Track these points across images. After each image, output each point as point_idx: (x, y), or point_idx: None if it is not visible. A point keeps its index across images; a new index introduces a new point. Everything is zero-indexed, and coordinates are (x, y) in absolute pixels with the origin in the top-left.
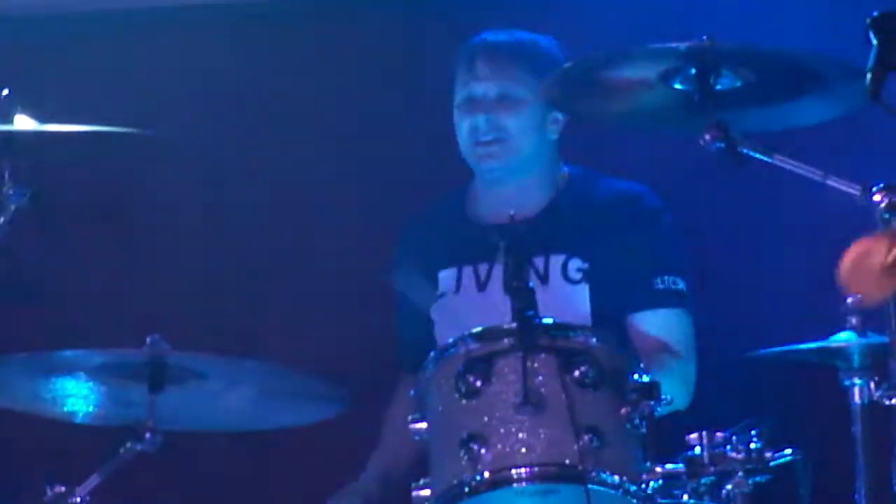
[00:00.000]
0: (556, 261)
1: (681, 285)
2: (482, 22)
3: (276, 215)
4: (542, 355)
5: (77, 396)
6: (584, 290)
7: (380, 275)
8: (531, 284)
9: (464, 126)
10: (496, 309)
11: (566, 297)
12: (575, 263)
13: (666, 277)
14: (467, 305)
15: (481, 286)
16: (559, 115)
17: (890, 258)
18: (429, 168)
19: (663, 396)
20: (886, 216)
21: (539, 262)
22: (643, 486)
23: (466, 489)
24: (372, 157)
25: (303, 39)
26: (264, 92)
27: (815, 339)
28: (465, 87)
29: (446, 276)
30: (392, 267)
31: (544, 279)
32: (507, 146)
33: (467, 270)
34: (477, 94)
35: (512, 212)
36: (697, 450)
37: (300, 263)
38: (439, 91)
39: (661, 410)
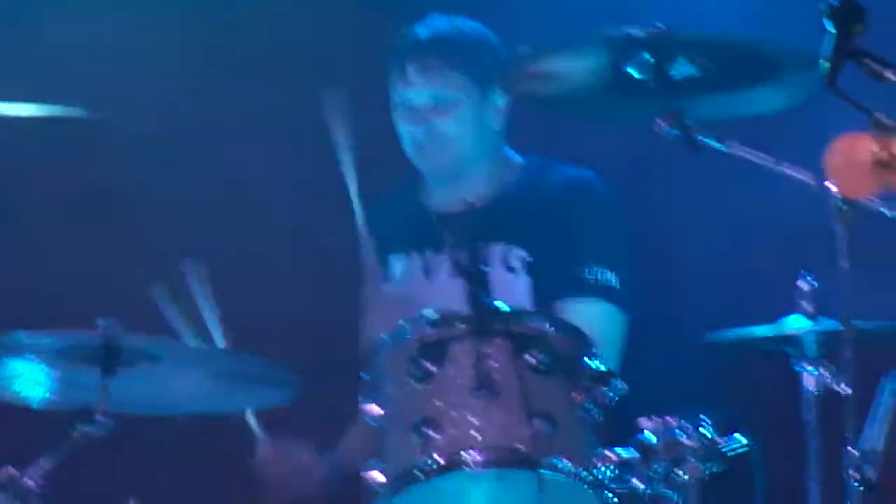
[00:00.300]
0: (499, 250)
1: (611, 279)
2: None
3: (231, 197)
4: (497, 340)
5: (28, 379)
6: (524, 281)
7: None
8: (486, 268)
9: (403, 132)
10: (441, 296)
11: (506, 287)
12: (517, 253)
13: (595, 268)
14: (413, 291)
15: (427, 273)
16: (500, 104)
17: (877, 154)
18: (384, 150)
19: (620, 385)
20: (841, 204)
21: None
22: (596, 471)
23: (419, 473)
24: (329, 142)
25: (259, 18)
26: (218, 72)
27: (767, 324)
28: (399, 93)
29: (395, 261)
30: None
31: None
32: (448, 150)
33: (415, 256)
34: (411, 103)
35: (469, 199)
36: (650, 436)
37: (255, 247)
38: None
39: (617, 396)
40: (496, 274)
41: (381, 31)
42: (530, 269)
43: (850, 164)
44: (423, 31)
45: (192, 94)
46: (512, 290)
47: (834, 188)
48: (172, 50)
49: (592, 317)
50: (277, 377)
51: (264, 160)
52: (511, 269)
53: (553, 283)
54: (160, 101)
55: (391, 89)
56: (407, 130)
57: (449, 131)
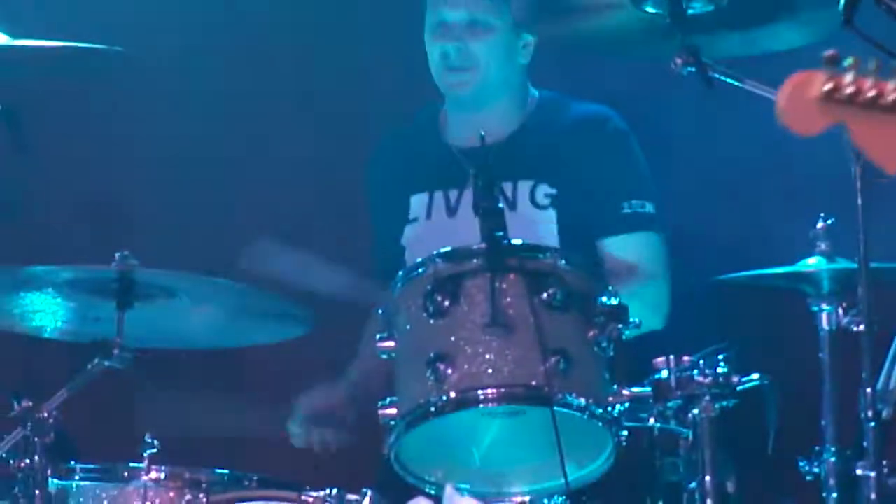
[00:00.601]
0: (525, 186)
1: (649, 208)
2: None
3: (245, 134)
4: (511, 276)
5: (45, 312)
6: (551, 216)
7: (348, 196)
8: (500, 205)
9: (435, 52)
10: (466, 234)
11: (534, 223)
12: (543, 189)
13: (634, 202)
14: (438, 231)
15: (451, 211)
16: (530, 39)
17: (825, 88)
18: (399, 90)
19: (632, 319)
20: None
21: (507, 187)
22: (609, 408)
23: (432, 409)
24: (341, 77)
25: None
26: (232, 10)
27: (783, 265)
28: (436, 12)
29: (417, 201)
30: (365, 188)
31: (512, 205)
32: (477, 73)
33: (438, 195)
34: (447, 20)
35: (483, 133)
36: (665, 374)
37: (269, 184)
38: (409, 13)
39: (632, 333)
40: (524, 210)
41: None
42: (556, 203)
43: (799, 101)
44: None
45: (207, 26)
46: (539, 226)
47: (786, 125)
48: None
49: (642, 248)
50: (292, 311)
51: (282, 92)
52: (538, 205)
53: (589, 219)
54: (178, 35)
55: (427, 11)
56: (438, 48)
57: (480, 53)
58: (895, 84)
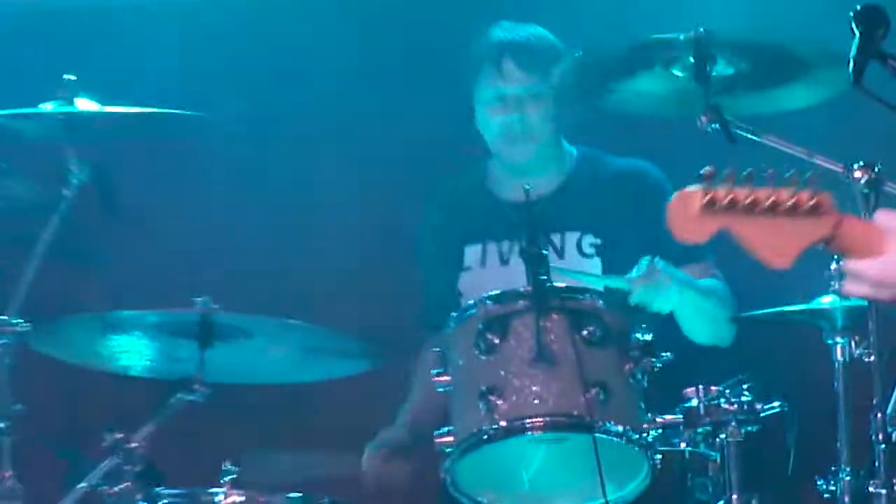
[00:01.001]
0: (572, 237)
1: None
2: (486, 18)
3: (316, 191)
4: (554, 315)
5: (133, 352)
6: (596, 264)
7: (404, 249)
8: (545, 251)
9: (494, 122)
10: (519, 281)
11: (581, 270)
12: (588, 239)
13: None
14: (492, 279)
15: (504, 261)
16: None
17: (703, 202)
18: (447, 151)
19: (664, 354)
20: (866, 191)
21: (556, 238)
22: (644, 434)
23: (485, 437)
24: (397, 141)
25: (336, 39)
26: (303, 83)
27: (801, 302)
28: (494, 87)
29: (472, 252)
30: (417, 237)
31: (561, 254)
32: (535, 139)
33: (491, 246)
34: (507, 94)
35: (527, 187)
36: (694, 402)
37: (337, 235)
38: (451, 84)
39: (702, 337)
40: (571, 258)
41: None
42: (600, 252)
43: (684, 214)
44: (510, 33)
45: (280, 96)
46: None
47: (677, 235)
48: (260, 59)
49: (707, 271)
50: (358, 349)
51: (349, 158)
52: (584, 254)
53: (631, 264)
54: (251, 102)
55: (480, 85)
56: (499, 120)
57: (536, 122)
58: (769, 191)
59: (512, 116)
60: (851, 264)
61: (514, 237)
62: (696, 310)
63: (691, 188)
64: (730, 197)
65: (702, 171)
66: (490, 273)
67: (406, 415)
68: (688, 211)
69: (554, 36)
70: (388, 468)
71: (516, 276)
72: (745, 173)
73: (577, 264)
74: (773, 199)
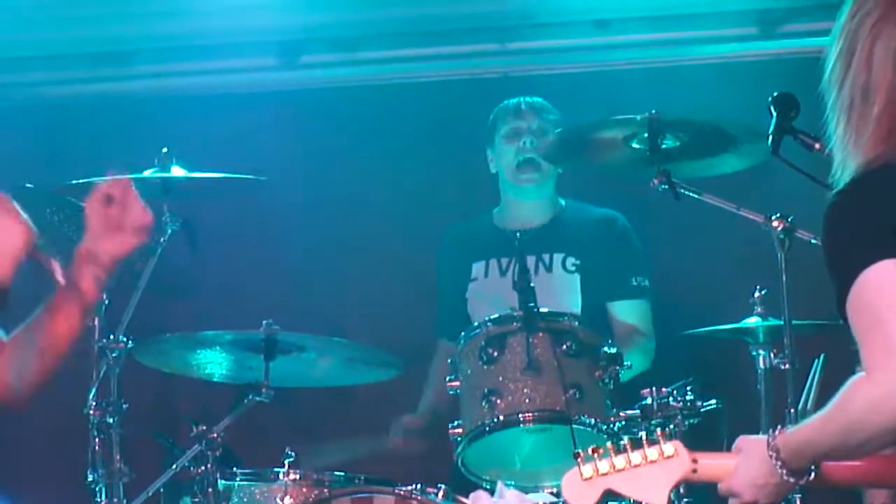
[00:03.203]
0: (559, 256)
1: (647, 283)
2: (493, 104)
3: (355, 235)
4: (540, 334)
5: (214, 362)
6: (576, 279)
7: (423, 282)
8: (532, 284)
9: (510, 150)
10: (511, 289)
11: (564, 283)
12: (571, 259)
13: (638, 277)
14: (492, 287)
15: (503, 273)
16: None
17: (586, 476)
18: (457, 200)
19: (627, 363)
20: (781, 236)
21: (546, 256)
22: (611, 425)
23: (486, 428)
24: (417, 195)
25: (368, 118)
26: (344, 151)
27: (731, 322)
28: (511, 124)
29: (478, 266)
30: (436, 264)
31: (549, 268)
32: (541, 170)
33: (493, 262)
34: (521, 125)
35: (518, 233)
36: (649, 400)
37: (369, 270)
38: (463, 153)
39: (628, 373)
40: (558, 272)
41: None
42: (579, 270)
43: (574, 487)
44: (525, 96)
45: (327, 160)
46: (568, 286)
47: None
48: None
49: (640, 310)
50: (386, 360)
51: (377, 210)
52: (567, 271)
53: (603, 285)
54: (306, 166)
55: (500, 127)
56: (513, 147)
57: (542, 157)
58: (633, 452)
59: (525, 139)
60: (722, 487)
61: (511, 255)
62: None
63: (574, 469)
64: (608, 466)
65: (576, 452)
66: (491, 282)
67: (425, 404)
68: (576, 485)
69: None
70: (409, 445)
71: (511, 284)
72: (609, 446)
73: (562, 277)
74: (638, 455)
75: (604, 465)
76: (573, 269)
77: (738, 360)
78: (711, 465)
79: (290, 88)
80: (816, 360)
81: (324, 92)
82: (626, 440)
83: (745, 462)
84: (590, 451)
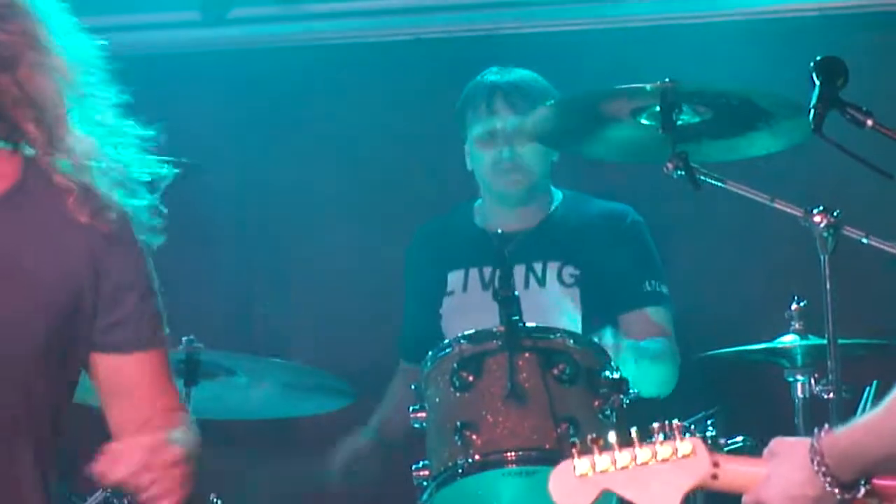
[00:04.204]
0: (553, 267)
1: (664, 289)
2: (478, 68)
3: (297, 233)
4: (526, 354)
5: None
6: (575, 293)
7: (382, 290)
8: (516, 293)
9: (486, 157)
10: (496, 307)
11: (560, 298)
12: (569, 270)
13: (653, 282)
14: (473, 303)
15: (486, 286)
16: None
17: (581, 472)
18: (429, 188)
19: (633, 390)
20: (825, 235)
21: (538, 267)
22: None
23: (460, 470)
24: (379, 182)
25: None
26: (287, 129)
27: (762, 341)
28: (484, 123)
29: (455, 277)
30: (404, 268)
31: (542, 282)
32: (526, 172)
33: (473, 272)
34: (497, 128)
35: (500, 230)
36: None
37: (316, 276)
38: (438, 130)
39: (651, 393)
40: (552, 287)
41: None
42: (579, 282)
43: (564, 485)
44: (500, 76)
45: (262, 137)
46: (565, 301)
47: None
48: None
49: (659, 317)
50: (335, 386)
51: (325, 198)
52: (564, 284)
53: (610, 297)
54: (238, 147)
55: (471, 124)
56: (490, 154)
57: (527, 155)
58: (642, 448)
59: (502, 150)
60: (748, 498)
61: (495, 264)
62: (647, 376)
63: (565, 462)
64: (607, 462)
65: (573, 441)
66: (471, 297)
67: (374, 422)
68: (567, 483)
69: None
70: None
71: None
72: (611, 438)
73: (558, 293)
74: (647, 452)
75: (603, 461)
76: (571, 281)
77: (771, 388)
78: (736, 471)
79: (217, 48)
80: (868, 388)
81: (259, 53)
82: (633, 431)
83: (780, 468)
84: (588, 440)
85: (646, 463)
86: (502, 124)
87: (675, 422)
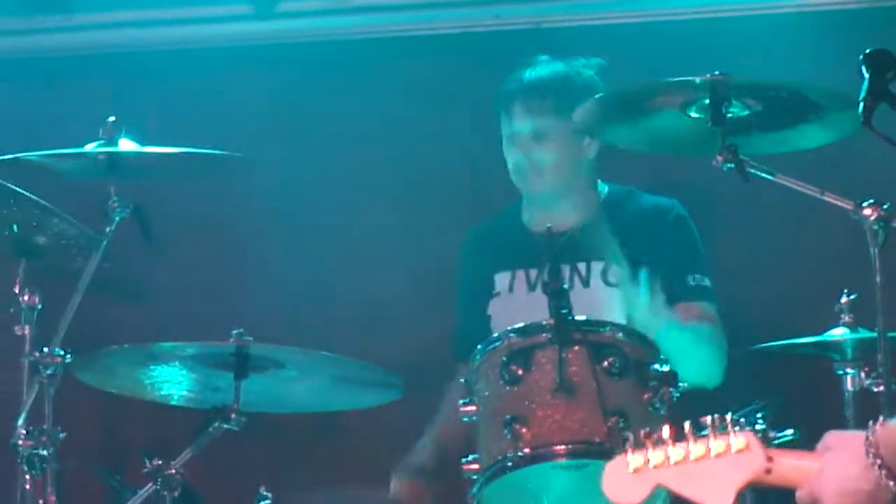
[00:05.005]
0: (597, 267)
1: (708, 283)
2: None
3: (345, 225)
4: (576, 347)
5: (172, 382)
6: (620, 293)
7: (433, 283)
8: (566, 286)
9: (510, 160)
10: (545, 307)
11: (604, 299)
12: (613, 269)
13: (697, 275)
14: (519, 304)
15: (531, 287)
16: (590, 138)
17: (634, 467)
18: (474, 183)
19: (682, 382)
20: (875, 228)
21: (582, 267)
22: None
23: (509, 464)
24: (433, 181)
25: (380, 80)
26: (335, 121)
27: (811, 334)
28: (507, 126)
29: (501, 278)
30: (457, 271)
31: (586, 282)
32: (544, 177)
33: (520, 273)
34: (516, 131)
35: (549, 224)
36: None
37: (366, 269)
38: (484, 125)
39: (698, 384)
40: (596, 287)
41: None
42: (624, 281)
43: (617, 481)
44: (527, 74)
45: (311, 134)
46: (610, 302)
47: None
48: (294, 102)
49: (704, 310)
50: (384, 380)
51: (377, 193)
52: (608, 283)
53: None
54: (286, 141)
55: (502, 124)
56: (512, 158)
57: (545, 159)
58: (696, 443)
59: (519, 155)
60: (801, 494)
61: (541, 265)
62: (679, 350)
63: (619, 456)
64: (660, 457)
65: (625, 437)
66: (517, 298)
67: (431, 439)
68: (620, 479)
69: (594, 68)
70: (415, 493)
71: (542, 301)
72: (665, 433)
73: (602, 293)
74: (700, 447)
75: (657, 456)
76: (615, 280)
77: (820, 381)
78: (790, 465)
79: (266, 42)
80: None
81: (308, 47)
82: (687, 425)
83: (834, 462)
84: (642, 435)
85: (700, 458)
86: (520, 129)
87: (728, 416)
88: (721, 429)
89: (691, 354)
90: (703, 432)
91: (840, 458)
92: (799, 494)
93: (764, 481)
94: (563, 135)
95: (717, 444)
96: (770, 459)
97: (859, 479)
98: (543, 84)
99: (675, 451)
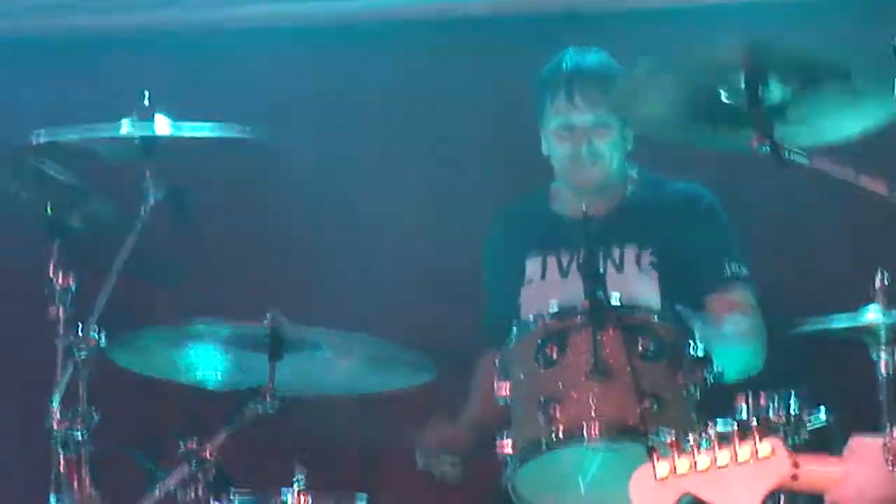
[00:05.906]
0: (630, 252)
1: (745, 271)
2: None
3: (380, 209)
4: (610, 330)
5: (206, 364)
6: (654, 277)
7: (465, 266)
8: (602, 270)
9: (563, 150)
10: (577, 292)
11: (638, 283)
12: (646, 254)
13: (733, 264)
14: (551, 289)
15: (564, 273)
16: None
17: (661, 475)
18: (508, 174)
19: (716, 368)
20: None
21: (616, 252)
22: None
23: (543, 445)
24: (464, 163)
25: (406, 65)
26: (368, 102)
27: (845, 317)
28: (562, 115)
29: (533, 264)
30: (482, 255)
31: (619, 268)
32: (603, 168)
33: (551, 259)
34: (575, 123)
35: (584, 207)
36: (745, 414)
37: (401, 252)
38: (516, 110)
39: (739, 373)
40: (629, 272)
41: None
42: (657, 266)
43: (645, 489)
44: (577, 61)
45: (344, 116)
46: (643, 287)
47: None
48: (327, 83)
49: (741, 298)
50: (417, 361)
51: (411, 176)
52: (641, 269)
53: (689, 281)
54: (320, 122)
55: (548, 113)
56: (567, 147)
57: (605, 150)
58: (721, 449)
59: (580, 147)
60: (829, 500)
61: (573, 250)
62: (733, 359)
63: (645, 466)
64: (687, 464)
65: (650, 445)
66: (550, 285)
67: (466, 413)
68: (647, 487)
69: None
70: (450, 437)
71: (574, 287)
72: (690, 439)
73: (636, 278)
74: (726, 453)
75: (683, 464)
76: (649, 266)
77: (854, 364)
78: (816, 471)
79: (303, 25)
80: None
81: (341, 28)
82: (713, 433)
83: (857, 468)
84: (668, 443)
85: (725, 465)
86: (581, 120)
87: (754, 423)
88: (746, 435)
89: (733, 355)
90: (728, 439)
91: (862, 464)
92: (827, 501)
93: (791, 487)
94: (617, 126)
95: (742, 451)
96: (796, 465)
97: (878, 485)
98: (601, 73)
99: (702, 459)
